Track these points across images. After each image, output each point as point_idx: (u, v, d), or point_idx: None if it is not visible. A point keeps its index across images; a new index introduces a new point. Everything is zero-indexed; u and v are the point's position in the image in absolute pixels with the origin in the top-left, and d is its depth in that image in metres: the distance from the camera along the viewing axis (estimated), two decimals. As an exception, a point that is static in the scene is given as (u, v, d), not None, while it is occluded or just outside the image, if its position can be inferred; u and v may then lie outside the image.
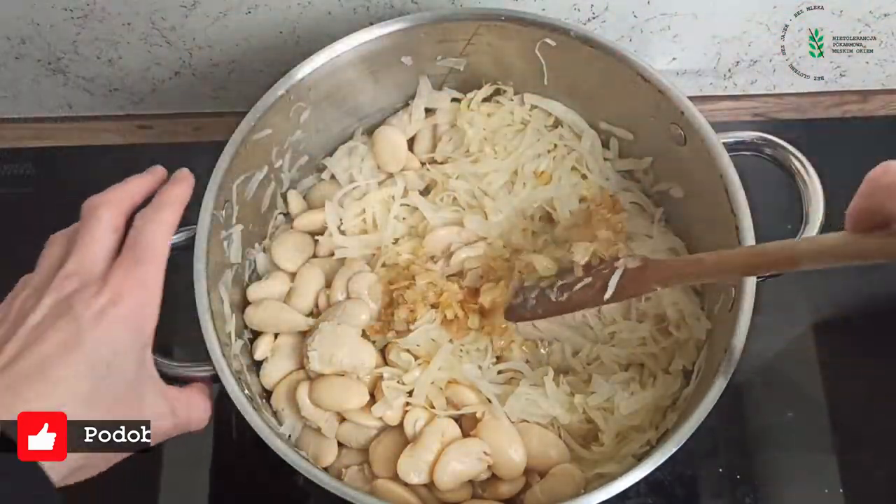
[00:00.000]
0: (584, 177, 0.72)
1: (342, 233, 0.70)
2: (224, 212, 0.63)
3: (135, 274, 0.52)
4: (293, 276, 0.69)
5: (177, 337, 0.67)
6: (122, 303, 0.51)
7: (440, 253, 0.70)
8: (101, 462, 0.51)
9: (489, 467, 0.61)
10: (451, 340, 0.65)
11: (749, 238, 0.59)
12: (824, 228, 0.61)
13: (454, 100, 0.74)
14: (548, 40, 0.67)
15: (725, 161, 0.61)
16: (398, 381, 0.64)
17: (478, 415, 0.62)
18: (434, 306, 0.66)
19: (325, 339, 0.63)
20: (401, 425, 0.63)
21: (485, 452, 0.60)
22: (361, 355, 0.64)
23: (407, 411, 0.63)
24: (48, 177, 0.82)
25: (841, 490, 0.69)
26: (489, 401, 0.63)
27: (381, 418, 0.63)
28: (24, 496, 0.45)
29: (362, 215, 0.71)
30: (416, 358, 0.65)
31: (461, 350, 0.66)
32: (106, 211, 0.55)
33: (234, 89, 0.82)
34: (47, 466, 0.46)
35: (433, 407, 0.63)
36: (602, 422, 0.63)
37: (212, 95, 0.83)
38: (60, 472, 0.48)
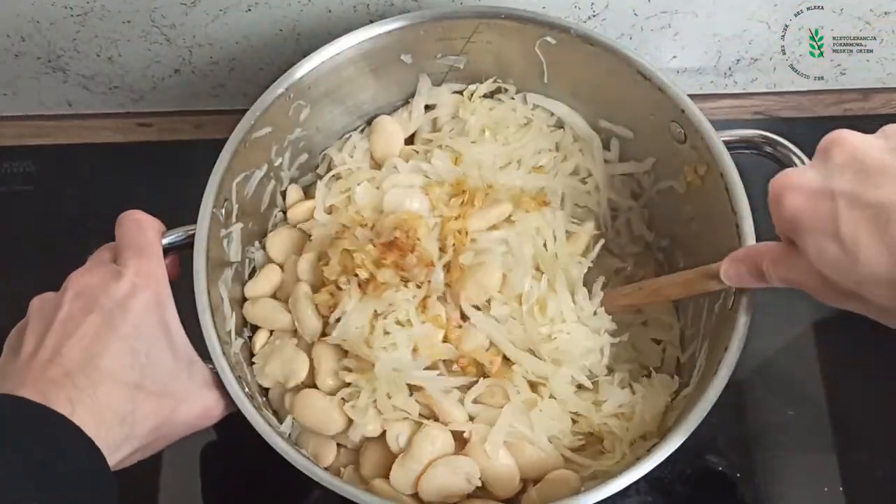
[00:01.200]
0: (583, 181, 0.72)
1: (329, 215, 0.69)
2: (224, 210, 0.63)
3: (144, 267, 0.56)
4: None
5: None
6: (140, 292, 0.54)
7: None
8: (160, 443, 0.55)
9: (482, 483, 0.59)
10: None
11: (749, 235, 0.59)
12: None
13: (455, 93, 0.73)
14: (548, 38, 0.67)
15: (726, 159, 0.61)
16: (357, 398, 0.60)
17: (465, 434, 0.60)
18: (354, 274, 0.61)
19: (266, 349, 0.64)
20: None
21: (476, 476, 0.59)
22: (292, 365, 0.62)
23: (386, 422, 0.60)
24: (48, 174, 0.82)
25: (841, 489, 0.69)
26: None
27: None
28: (78, 479, 0.46)
29: (347, 193, 0.70)
30: (357, 359, 0.61)
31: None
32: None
33: (234, 87, 0.82)
34: (105, 451, 0.48)
35: (413, 415, 0.61)
36: (621, 430, 0.61)
37: (212, 93, 0.83)
38: (115, 457, 0.50)
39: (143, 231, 0.58)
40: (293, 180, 0.73)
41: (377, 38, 0.66)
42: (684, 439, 0.54)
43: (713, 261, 0.64)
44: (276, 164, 0.69)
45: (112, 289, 0.54)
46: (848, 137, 0.47)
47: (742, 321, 0.57)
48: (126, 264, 0.55)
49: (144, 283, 0.55)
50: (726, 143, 0.61)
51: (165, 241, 0.59)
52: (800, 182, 0.48)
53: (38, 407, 0.47)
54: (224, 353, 0.58)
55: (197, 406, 0.56)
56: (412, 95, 0.73)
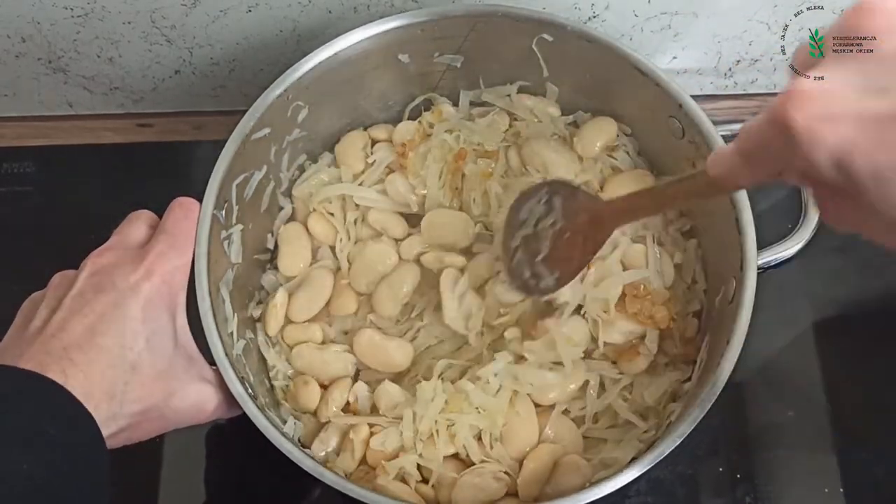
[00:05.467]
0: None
1: None
2: (224, 212, 0.63)
3: (168, 256, 0.56)
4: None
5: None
6: (154, 278, 0.54)
7: None
8: (147, 427, 0.54)
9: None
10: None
11: (749, 231, 0.59)
12: (821, 222, 0.61)
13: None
14: (545, 35, 0.67)
15: None
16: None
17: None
18: None
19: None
20: None
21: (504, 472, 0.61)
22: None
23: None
24: (48, 175, 0.82)
25: (841, 489, 0.69)
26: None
27: None
28: (69, 442, 0.46)
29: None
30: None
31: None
32: (147, 212, 0.61)
33: (235, 88, 0.82)
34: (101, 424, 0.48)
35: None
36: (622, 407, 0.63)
37: (212, 94, 0.83)
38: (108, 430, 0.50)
39: (187, 222, 0.59)
40: (292, 181, 0.73)
41: (375, 38, 0.67)
42: (689, 431, 0.54)
43: (716, 257, 0.64)
44: (276, 165, 0.70)
45: (129, 271, 0.54)
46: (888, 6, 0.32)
47: (743, 313, 0.57)
48: (153, 248, 0.56)
49: (161, 270, 0.55)
50: (724, 137, 0.61)
51: None
52: (836, 105, 0.34)
53: (31, 374, 0.47)
54: (227, 355, 0.58)
55: (190, 397, 0.56)
56: (410, 96, 0.73)
